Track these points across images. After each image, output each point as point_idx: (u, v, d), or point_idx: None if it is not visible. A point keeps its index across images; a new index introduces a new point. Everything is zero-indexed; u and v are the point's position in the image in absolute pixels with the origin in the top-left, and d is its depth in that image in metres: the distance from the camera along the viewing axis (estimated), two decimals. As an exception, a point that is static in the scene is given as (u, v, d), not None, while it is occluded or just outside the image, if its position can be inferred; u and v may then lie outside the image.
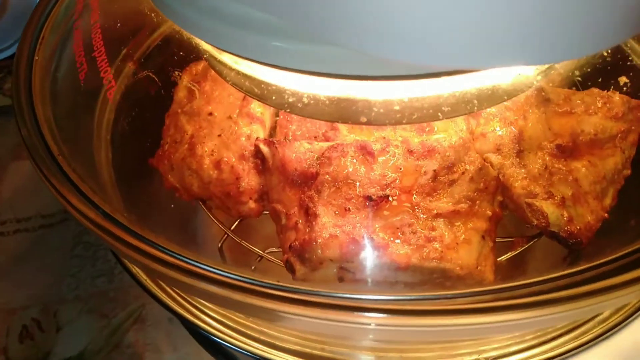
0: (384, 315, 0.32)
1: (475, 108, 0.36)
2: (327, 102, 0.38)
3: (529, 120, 0.62)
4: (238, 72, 0.43)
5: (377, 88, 0.38)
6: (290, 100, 0.38)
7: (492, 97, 0.37)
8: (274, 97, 0.38)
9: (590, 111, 0.62)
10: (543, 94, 0.64)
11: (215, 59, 0.47)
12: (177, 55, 0.71)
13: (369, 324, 0.33)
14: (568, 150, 0.59)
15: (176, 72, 0.68)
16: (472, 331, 0.40)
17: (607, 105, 0.62)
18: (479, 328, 0.37)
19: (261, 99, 0.41)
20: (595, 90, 0.64)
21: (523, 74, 0.37)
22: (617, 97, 0.62)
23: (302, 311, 0.33)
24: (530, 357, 0.50)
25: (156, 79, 0.67)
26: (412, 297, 0.37)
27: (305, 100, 0.39)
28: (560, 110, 0.62)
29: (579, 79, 0.70)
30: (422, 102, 0.36)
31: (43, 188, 0.45)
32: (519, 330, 0.50)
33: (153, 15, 0.72)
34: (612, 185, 0.60)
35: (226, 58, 0.45)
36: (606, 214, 0.57)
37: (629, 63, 0.69)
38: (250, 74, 0.42)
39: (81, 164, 0.49)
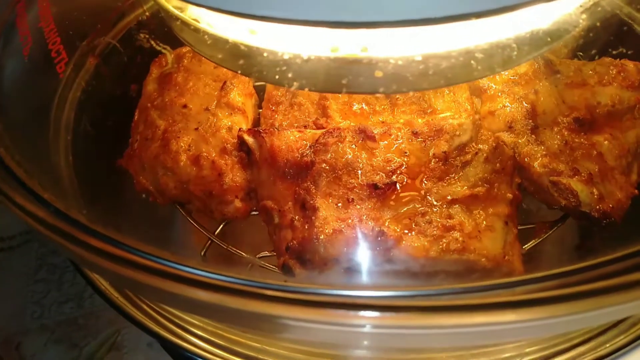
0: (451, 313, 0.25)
1: (515, 54, 0.30)
2: (332, 57, 0.31)
3: (540, 94, 0.56)
4: (221, 40, 0.36)
5: (393, 37, 0.31)
6: (285, 59, 0.31)
7: (532, 40, 0.31)
8: (265, 55, 0.31)
9: (605, 81, 0.57)
10: (551, 65, 0.58)
11: (191, 28, 0.39)
12: (145, 46, 0.64)
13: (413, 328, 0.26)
14: (587, 124, 0.54)
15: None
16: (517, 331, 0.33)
17: (622, 74, 0.57)
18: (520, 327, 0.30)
19: (250, 66, 0.34)
20: (607, 59, 0.59)
21: (565, 12, 0.31)
22: (631, 65, 0.58)
23: (322, 317, 0.26)
24: (577, 356, 0.43)
25: (122, 70, 0.59)
26: (431, 292, 0.30)
27: (303, 58, 0.31)
28: (572, 82, 0.57)
29: (581, 54, 0.65)
30: (450, 51, 0.29)
31: (1, 208, 0.36)
32: (552, 331, 0.43)
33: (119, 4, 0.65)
34: (637, 159, 0.55)
35: (204, 24, 0.38)
36: (636, 190, 0.52)
37: (625, 28, 0.64)
38: (236, 38, 0.35)
39: (33, 164, 0.41)
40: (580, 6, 0.32)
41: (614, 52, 0.60)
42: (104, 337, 0.73)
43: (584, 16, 0.32)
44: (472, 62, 0.30)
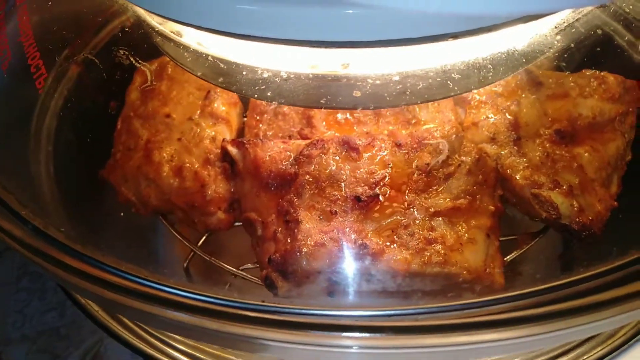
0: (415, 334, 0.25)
1: (491, 75, 0.30)
2: (311, 76, 0.30)
3: (522, 105, 0.57)
4: (202, 56, 0.36)
5: (371, 56, 0.31)
6: (265, 77, 0.31)
7: (508, 62, 0.31)
8: (244, 73, 0.31)
9: (586, 94, 0.57)
10: (534, 77, 0.59)
11: (175, 43, 0.39)
12: (127, 55, 0.63)
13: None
14: (568, 136, 0.54)
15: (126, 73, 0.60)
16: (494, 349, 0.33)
17: (602, 86, 0.58)
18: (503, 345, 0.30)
19: (229, 84, 0.34)
20: (588, 71, 0.59)
21: (540, 34, 0.31)
22: (611, 77, 0.58)
23: (302, 338, 0.25)
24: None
25: (103, 80, 0.59)
26: (412, 311, 0.30)
27: (282, 77, 0.31)
28: (554, 94, 0.57)
29: (564, 64, 0.66)
30: (427, 71, 0.30)
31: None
32: (531, 348, 0.44)
33: (99, 10, 0.64)
34: (616, 171, 0.55)
35: (188, 39, 0.38)
36: (615, 202, 0.52)
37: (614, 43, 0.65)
38: (216, 54, 0.34)
39: (11, 177, 0.40)
40: (555, 27, 0.32)
41: (595, 66, 0.61)
42: (87, 348, 0.71)
43: (558, 37, 0.32)
44: (449, 82, 0.30)
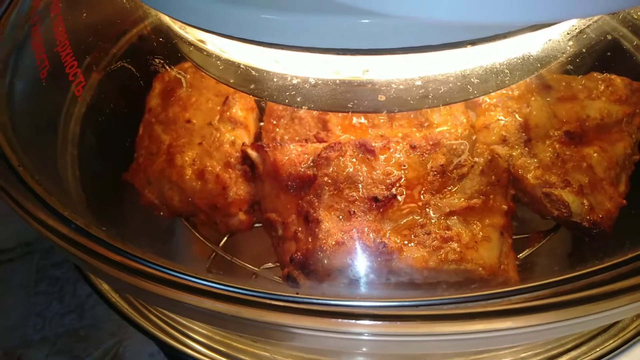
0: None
1: (508, 79, 0.32)
2: (338, 82, 0.32)
3: (532, 108, 0.58)
4: (233, 64, 0.38)
5: (393, 62, 0.33)
6: (294, 83, 0.33)
7: (523, 66, 0.33)
8: (275, 80, 0.33)
9: (593, 96, 0.59)
10: (543, 80, 0.60)
11: (201, 50, 0.41)
12: (148, 61, 0.65)
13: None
14: (577, 137, 0.56)
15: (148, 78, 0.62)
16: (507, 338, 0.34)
17: (610, 88, 0.59)
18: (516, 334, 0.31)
19: (261, 90, 0.35)
20: (595, 74, 0.61)
21: (553, 39, 0.33)
22: (618, 80, 0.60)
23: (330, 326, 0.27)
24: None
25: (126, 87, 0.61)
26: (430, 302, 0.32)
27: (311, 83, 0.33)
28: (563, 97, 0.59)
29: (571, 67, 0.68)
30: (447, 76, 0.31)
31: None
32: (546, 337, 0.45)
33: (118, 21, 0.66)
34: (624, 171, 0.57)
35: (212, 47, 0.40)
36: (624, 200, 0.54)
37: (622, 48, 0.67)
38: (247, 62, 0.36)
39: (46, 180, 0.42)
40: (567, 33, 0.34)
41: (603, 69, 0.62)
42: (106, 349, 0.73)
43: (570, 43, 0.34)
44: (469, 86, 0.32)
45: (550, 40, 0.34)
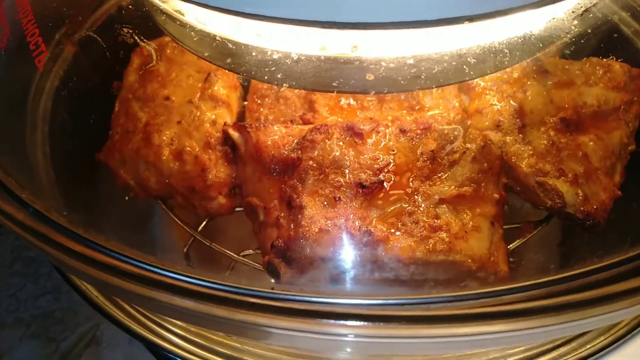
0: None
1: (507, 60, 0.29)
2: (322, 58, 0.30)
3: (528, 93, 0.56)
4: (208, 36, 0.34)
5: (384, 39, 0.30)
6: (275, 58, 0.30)
7: (524, 46, 0.30)
8: (253, 54, 0.30)
9: (591, 82, 0.57)
10: (540, 64, 0.58)
11: (174, 20, 0.38)
12: (126, 34, 0.62)
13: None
14: (573, 124, 0.54)
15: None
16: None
17: (608, 74, 0.57)
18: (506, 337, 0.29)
19: (238, 65, 0.33)
20: (594, 59, 0.59)
21: (557, 18, 0.31)
22: (617, 65, 0.58)
23: (308, 326, 0.25)
24: (559, 357, 0.43)
25: (100, 60, 0.57)
26: (415, 300, 0.29)
27: (293, 58, 0.30)
28: (559, 82, 0.57)
29: (567, 52, 0.65)
30: (442, 54, 0.29)
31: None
32: (547, 337, 0.44)
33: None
34: (620, 160, 0.55)
35: (188, 17, 0.36)
36: (618, 191, 0.52)
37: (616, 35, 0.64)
38: (224, 34, 0.33)
39: (9, 158, 0.39)
40: (572, 12, 0.31)
41: (601, 55, 0.60)
42: (83, 332, 0.71)
43: (575, 22, 0.31)
44: (465, 66, 0.29)
45: (554, 18, 0.31)
